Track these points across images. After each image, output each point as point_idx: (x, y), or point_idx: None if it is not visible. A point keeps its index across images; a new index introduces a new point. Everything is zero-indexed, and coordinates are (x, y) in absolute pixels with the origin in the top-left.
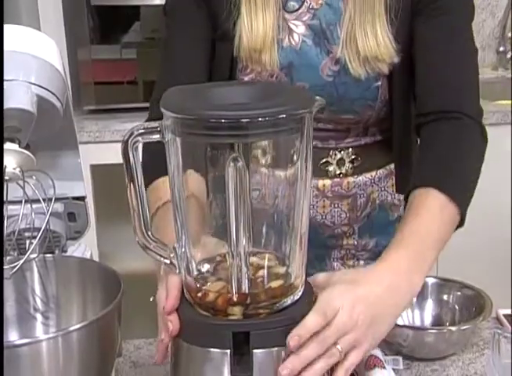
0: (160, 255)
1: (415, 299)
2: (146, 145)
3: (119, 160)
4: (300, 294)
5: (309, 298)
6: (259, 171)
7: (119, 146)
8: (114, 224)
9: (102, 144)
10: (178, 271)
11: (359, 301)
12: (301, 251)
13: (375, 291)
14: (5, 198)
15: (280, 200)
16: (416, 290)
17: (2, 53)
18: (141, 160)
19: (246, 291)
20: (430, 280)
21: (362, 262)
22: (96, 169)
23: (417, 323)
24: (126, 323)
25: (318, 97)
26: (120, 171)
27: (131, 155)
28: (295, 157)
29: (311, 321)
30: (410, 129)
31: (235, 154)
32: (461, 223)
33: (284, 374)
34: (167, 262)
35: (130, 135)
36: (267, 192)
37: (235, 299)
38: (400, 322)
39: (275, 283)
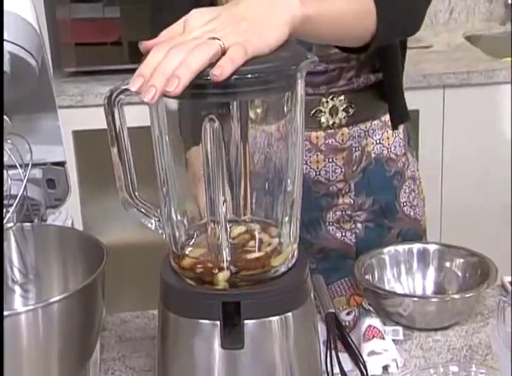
0: (146, 215)
1: (415, 265)
2: None
3: (104, 125)
4: (294, 261)
5: (303, 265)
6: (248, 131)
7: (102, 110)
8: (99, 193)
9: (85, 109)
10: (164, 236)
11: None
12: (293, 215)
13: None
14: None
15: (271, 161)
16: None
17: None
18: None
19: (228, 259)
20: (433, 247)
21: (359, 225)
22: (79, 135)
23: (418, 291)
24: (111, 296)
25: (310, 54)
26: (106, 137)
27: (116, 114)
28: (287, 116)
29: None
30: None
31: (211, 115)
32: (375, 39)
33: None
34: (152, 225)
35: (113, 91)
36: (256, 152)
37: (215, 267)
38: (400, 290)
39: (263, 251)
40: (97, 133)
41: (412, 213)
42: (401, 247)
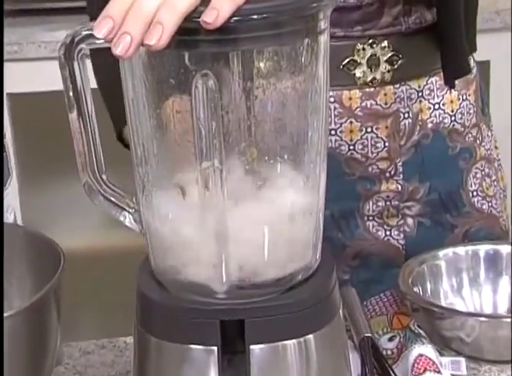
0: (117, 205)
1: (483, 274)
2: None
3: (53, 86)
4: (316, 266)
5: (329, 271)
6: (253, 91)
7: (49, 64)
8: (47, 178)
9: (25, 63)
10: (140, 231)
11: None
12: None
13: None
14: None
15: (284, 132)
16: None
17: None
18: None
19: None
20: (506, 249)
21: (410, 221)
22: (17, 100)
23: (487, 309)
24: (67, 320)
25: None
26: (54, 102)
27: (76, 69)
28: (306, 71)
29: None
30: None
31: (204, 70)
32: None
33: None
34: (125, 218)
35: (74, 38)
36: (264, 121)
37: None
38: (461, 307)
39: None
40: (42, 97)
41: (485, 206)
42: (462, 249)
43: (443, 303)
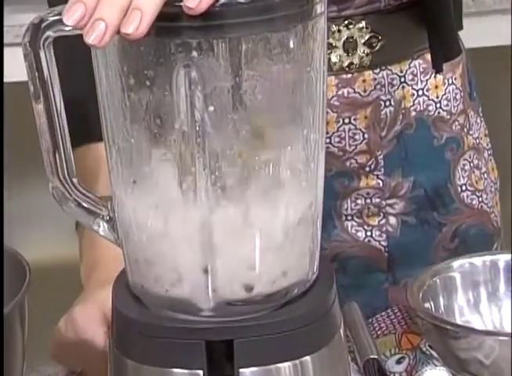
0: (90, 212)
1: (503, 287)
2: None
3: (13, 77)
4: (314, 278)
5: (328, 285)
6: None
7: (12, 51)
8: (8, 181)
9: None
10: (115, 241)
11: None
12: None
13: None
14: None
15: (274, 129)
16: None
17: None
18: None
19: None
20: None
21: (393, 221)
22: None
23: (508, 327)
24: (33, 342)
25: None
26: (19, 93)
27: (42, 57)
28: (300, 60)
29: None
30: None
31: (186, 60)
32: None
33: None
34: (99, 227)
35: (42, 23)
36: (252, 115)
37: None
38: (479, 325)
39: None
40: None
41: (475, 201)
42: (479, 260)
43: (458, 320)
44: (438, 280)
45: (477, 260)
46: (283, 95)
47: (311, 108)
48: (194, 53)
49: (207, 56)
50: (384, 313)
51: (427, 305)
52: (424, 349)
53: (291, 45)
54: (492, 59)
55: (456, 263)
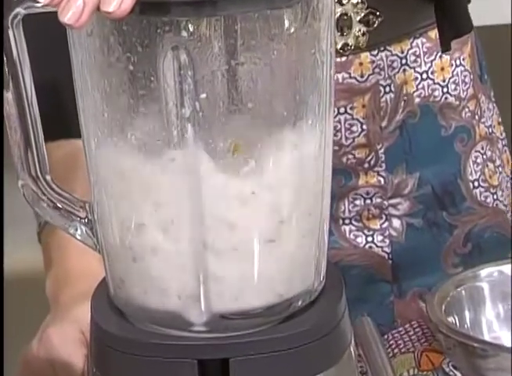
0: (66, 214)
1: None
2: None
3: None
4: (320, 289)
5: (337, 297)
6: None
7: None
8: None
9: None
10: (95, 247)
11: None
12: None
13: None
14: None
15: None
16: None
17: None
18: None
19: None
20: None
21: (396, 223)
22: None
23: None
24: (11, 356)
25: None
26: None
27: (12, 39)
28: (304, 42)
29: None
30: None
31: (175, 42)
32: None
33: None
34: (77, 231)
35: (5, 1)
36: (250, 103)
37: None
38: (509, 342)
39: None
40: None
41: (490, 199)
42: (509, 267)
43: (486, 337)
44: (462, 291)
45: (507, 268)
46: (285, 81)
47: (317, 95)
48: (184, 33)
49: (199, 37)
50: (401, 329)
51: (450, 319)
52: (447, 370)
53: (293, 24)
54: (504, 37)
55: (484, 272)
